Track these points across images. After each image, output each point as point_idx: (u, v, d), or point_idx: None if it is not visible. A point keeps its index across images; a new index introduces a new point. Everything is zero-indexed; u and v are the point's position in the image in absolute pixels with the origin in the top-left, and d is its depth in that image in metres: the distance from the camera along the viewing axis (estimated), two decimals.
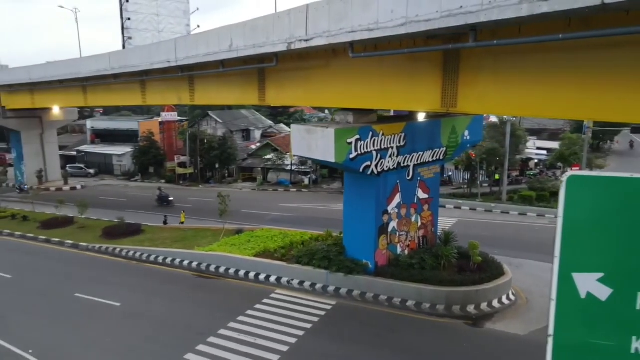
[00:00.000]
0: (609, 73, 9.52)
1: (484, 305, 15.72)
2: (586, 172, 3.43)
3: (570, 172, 3.34)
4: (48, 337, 14.57)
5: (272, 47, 15.19)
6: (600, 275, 3.38)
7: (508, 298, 16.41)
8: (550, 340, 3.50)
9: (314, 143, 15.09)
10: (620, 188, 3.28)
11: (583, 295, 3.42)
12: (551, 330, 3.50)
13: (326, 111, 67.28)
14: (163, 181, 45.83)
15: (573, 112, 10.38)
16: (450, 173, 40.99)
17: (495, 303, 15.93)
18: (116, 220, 25.97)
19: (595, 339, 3.40)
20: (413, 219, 18.03)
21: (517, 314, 15.62)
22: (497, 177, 35.86)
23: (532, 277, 18.92)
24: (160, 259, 21.26)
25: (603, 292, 3.37)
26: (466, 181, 37.60)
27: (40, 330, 14.97)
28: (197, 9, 48.64)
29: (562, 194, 3.30)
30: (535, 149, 45.30)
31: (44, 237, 25.18)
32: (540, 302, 16.47)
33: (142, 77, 24.28)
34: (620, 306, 3.35)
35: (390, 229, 17.19)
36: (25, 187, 37.97)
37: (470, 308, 15.56)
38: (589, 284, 3.40)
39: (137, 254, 21.97)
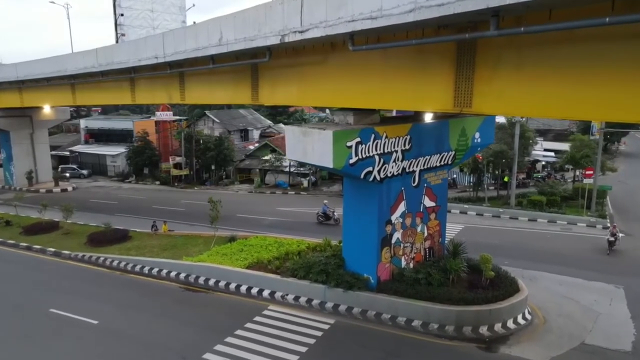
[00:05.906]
0: None
1: (497, 326, 14.21)
2: None
3: None
4: (15, 357, 13.17)
5: (264, 40, 13.74)
6: None
7: (524, 317, 14.89)
8: None
9: (310, 146, 13.66)
10: None
11: None
12: None
13: (327, 110, 65.57)
14: (157, 182, 44.36)
15: (614, 113, 8.85)
16: (455, 175, 39.44)
17: (510, 323, 14.42)
18: (103, 226, 24.49)
19: None
20: (419, 229, 16.52)
21: (534, 336, 14.11)
22: (506, 179, 34.26)
23: (548, 291, 17.45)
24: (145, 270, 19.75)
25: None
26: (472, 184, 36.05)
27: (8, 350, 13.58)
28: (193, 5, 47.34)
29: None
30: (542, 150, 43.77)
31: (25, 244, 23.67)
32: (559, 322, 15.01)
33: (131, 75, 22.83)
34: None
35: (393, 240, 15.69)
36: None
37: (483, 329, 14.05)
38: None
39: (122, 264, 20.47)
